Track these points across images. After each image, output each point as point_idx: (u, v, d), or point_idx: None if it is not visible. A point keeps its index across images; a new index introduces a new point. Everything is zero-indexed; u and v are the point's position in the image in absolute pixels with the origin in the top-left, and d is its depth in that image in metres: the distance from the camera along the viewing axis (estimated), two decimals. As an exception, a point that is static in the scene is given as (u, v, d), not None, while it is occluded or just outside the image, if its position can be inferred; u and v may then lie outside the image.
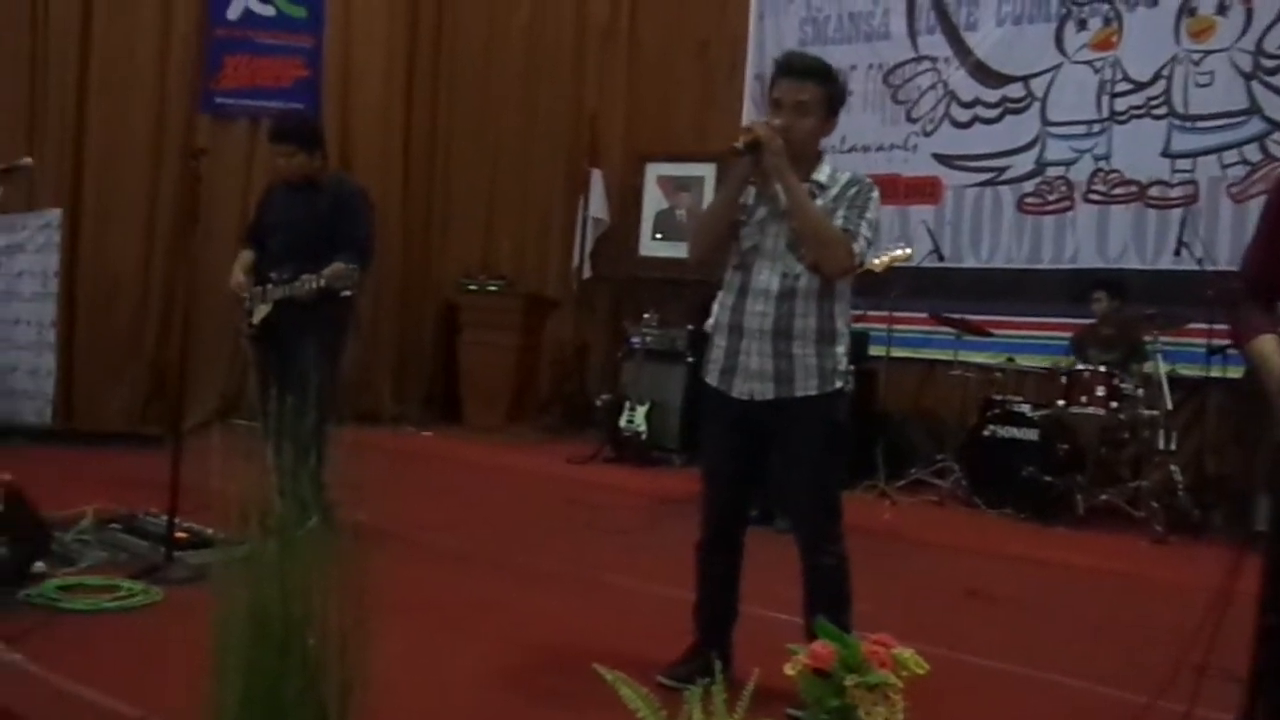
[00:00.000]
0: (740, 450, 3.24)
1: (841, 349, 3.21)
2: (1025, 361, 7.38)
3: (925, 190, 8.22)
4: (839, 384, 3.19)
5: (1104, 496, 6.53)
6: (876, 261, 5.73)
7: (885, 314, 7.37)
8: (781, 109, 3.15)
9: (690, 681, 2.20)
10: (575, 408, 9.34)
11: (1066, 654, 4.12)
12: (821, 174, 3.21)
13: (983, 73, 8.08)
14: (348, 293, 4.87)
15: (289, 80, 8.96)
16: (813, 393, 3.15)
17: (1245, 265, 2.72)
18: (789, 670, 1.73)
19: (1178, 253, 7.15)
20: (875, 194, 3.20)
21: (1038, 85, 7.85)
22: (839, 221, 3.13)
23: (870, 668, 1.68)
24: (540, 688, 3.39)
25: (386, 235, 7.99)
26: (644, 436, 7.97)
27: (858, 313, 7.48)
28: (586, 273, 9.52)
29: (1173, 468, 6.43)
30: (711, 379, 3.29)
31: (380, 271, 8.24)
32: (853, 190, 3.18)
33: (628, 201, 9.55)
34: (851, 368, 3.34)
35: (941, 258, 8.05)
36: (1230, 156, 7.07)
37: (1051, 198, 7.79)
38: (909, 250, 6.63)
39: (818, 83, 3.16)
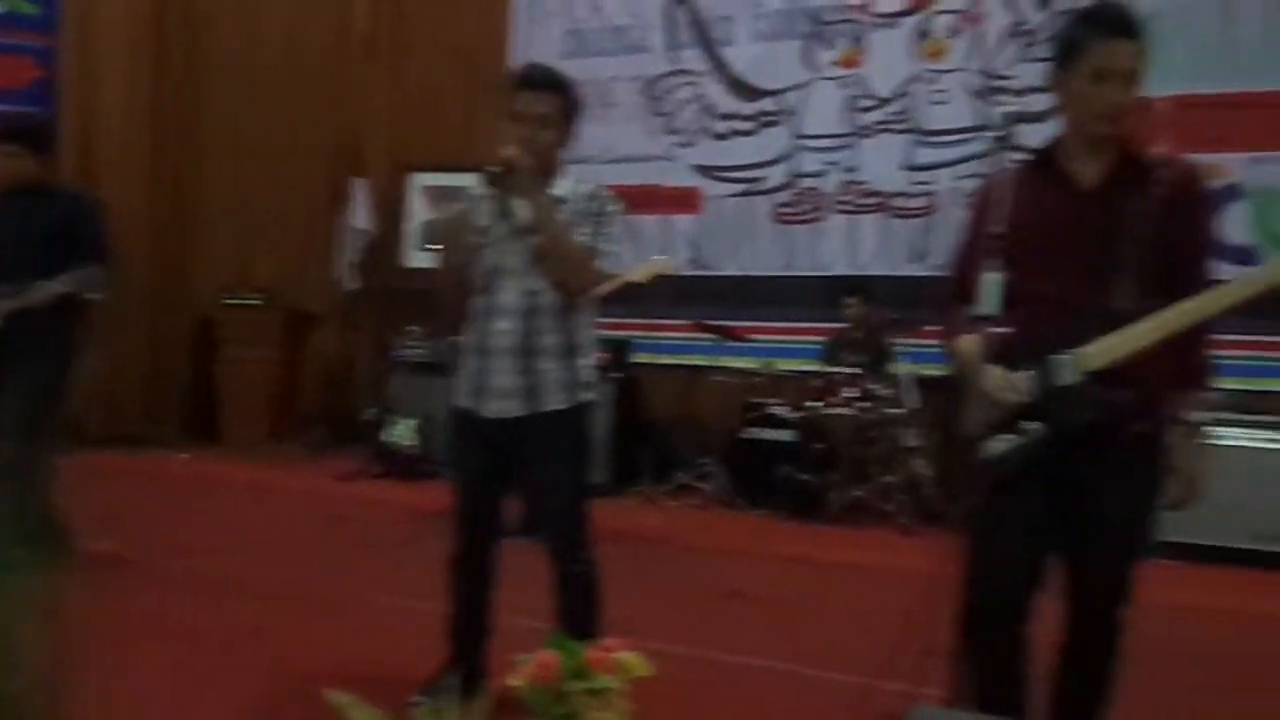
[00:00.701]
0: (492, 468, 3.24)
1: (586, 361, 3.25)
2: (783, 365, 7.65)
3: (686, 200, 8.41)
4: (586, 396, 3.23)
5: (857, 493, 6.84)
6: (639, 273, 5.82)
7: (648, 322, 7.50)
8: (522, 122, 3.15)
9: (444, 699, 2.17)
10: (341, 423, 9.10)
11: (819, 646, 4.28)
12: (561, 187, 3.23)
13: (739, 87, 8.34)
14: (95, 295, 4.55)
15: (22, 81, 8.39)
16: (560, 406, 3.18)
17: (951, 271, 2.91)
18: (514, 681, 1.73)
19: (919, 260, 7.57)
20: (617, 208, 3.24)
21: (790, 100, 8.16)
22: (583, 239, 3.16)
23: (594, 673, 1.70)
24: (293, 718, 3.28)
25: (133, 248, 7.58)
26: (412, 450, 7.84)
27: (621, 321, 7.68)
28: (351, 285, 9.29)
29: (919, 463, 6.80)
30: (462, 400, 3.28)
31: (128, 286, 7.82)
32: (594, 205, 3.20)
33: (391, 212, 9.39)
34: (599, 378, 3.38)
35: (702, 266, 8.27)
36: (965, 170, 7.54)
37: (805, 208, 8.11)
38: (671, 260, 6.77)
39: (556, 94, 3.17)
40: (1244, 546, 5.88)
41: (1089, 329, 2.60)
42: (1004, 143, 2.70)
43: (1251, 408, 6.17)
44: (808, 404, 7.02)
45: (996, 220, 2.66)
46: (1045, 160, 2.76)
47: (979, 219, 2.81)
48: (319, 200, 9.50)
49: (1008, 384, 2.67)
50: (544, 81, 3.17)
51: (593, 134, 8.59)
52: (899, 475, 6.80)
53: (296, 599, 4.63)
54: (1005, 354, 2.70)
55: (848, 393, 6.90)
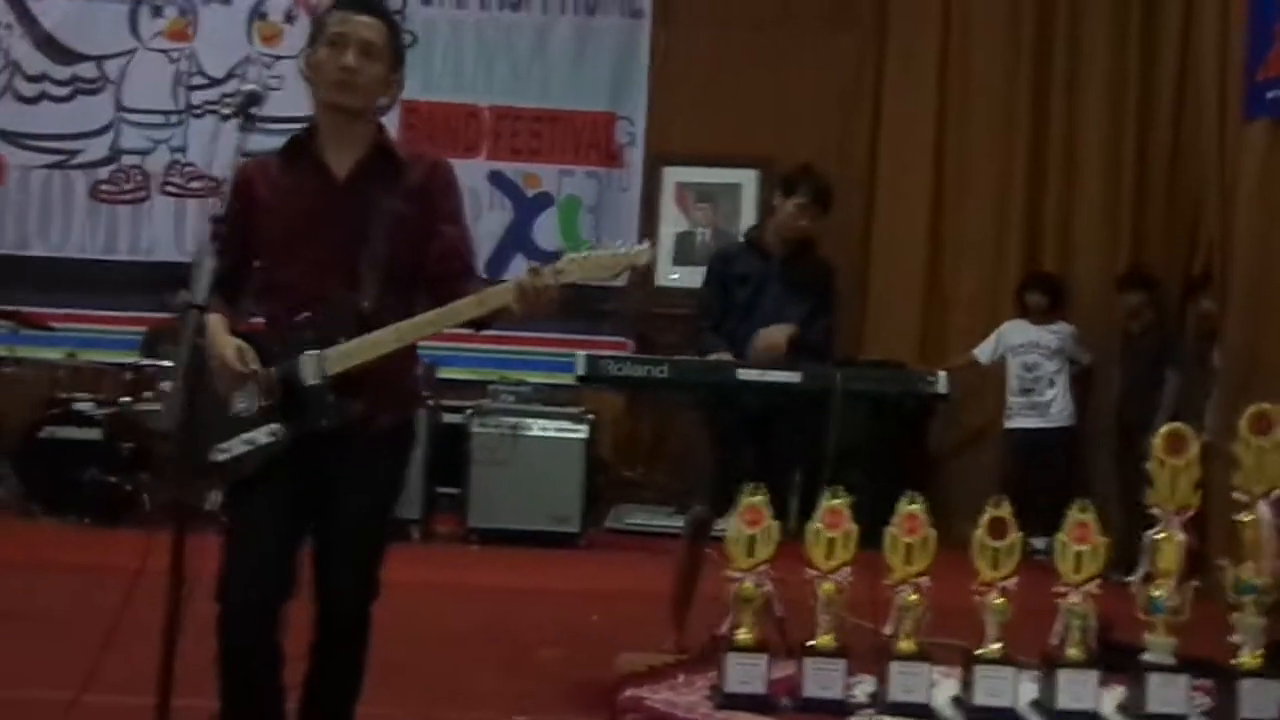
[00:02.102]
0: None
1: None
2: (95, 357, 6.97)
3: (-16, 169, 7.45)
4: None
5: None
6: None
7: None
8: None
9: None
10: None
11: (103, 665, 3.87)
12: None
13: (51, 46, 7.50)
14: None
15: None
16: None
17: None
18: None
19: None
20: None
21: (112, 68, 7.51)
22: None
23: None
24: None
25: None
26: None
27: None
28: None
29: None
30: None
31: None
32: None
33: None
34: None
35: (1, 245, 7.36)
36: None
37: (128, 187, 7.51)
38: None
39: None
40: (545, 529, 6.33)
41: (336, 327, 2.56)
42: (245, 123, 2.58)
43: (551, 400, 6.67)
44: (120, 400, 6.46)
45: (226, 206, 2.55)
46: (300, 147, 2.69)
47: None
48: None
49: (250, 382, 2.56)
50: None
51: None
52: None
53: None
54: (256, 348, 2.59)
55: (165, 387, 6.45)
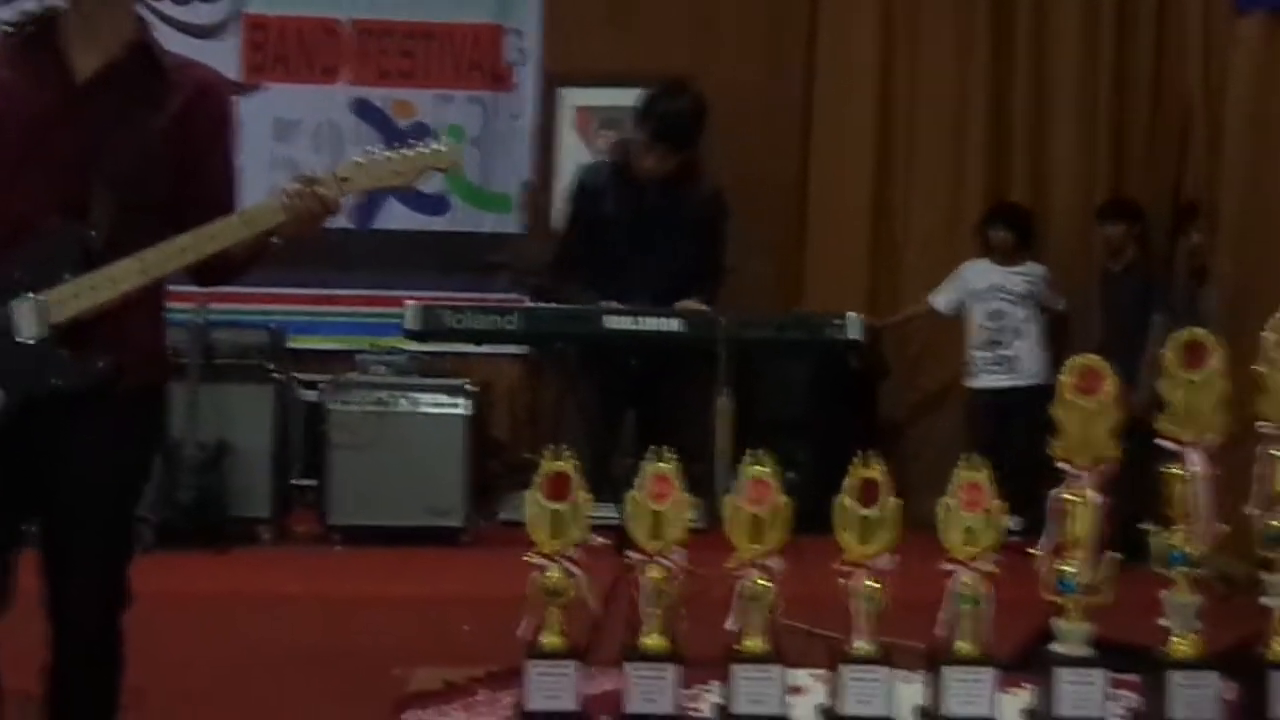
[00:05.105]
0: None
1: None
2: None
3: None
4: None
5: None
6: None
7: None
8: None
9: None
10: None
11: None
12: None
13: None
14: None
15: None
16: None
17: None
18: None
19: None
20: None
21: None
22: None
23: None
24: None
25: None
26: None
27: None
28: None
29: None
30: None
31: None
32: None
33: None
34: None
35: None
36: None
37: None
38: None
39: None
40: (421, 524, 6.13)
41: (56, 264, 2.38)
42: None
43: (432, 370, 6.41)
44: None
45: None
46: (39, 39, 2.47)
47: None
48: None
49: None
50: None
51: None
52: None
53: None
54: None
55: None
